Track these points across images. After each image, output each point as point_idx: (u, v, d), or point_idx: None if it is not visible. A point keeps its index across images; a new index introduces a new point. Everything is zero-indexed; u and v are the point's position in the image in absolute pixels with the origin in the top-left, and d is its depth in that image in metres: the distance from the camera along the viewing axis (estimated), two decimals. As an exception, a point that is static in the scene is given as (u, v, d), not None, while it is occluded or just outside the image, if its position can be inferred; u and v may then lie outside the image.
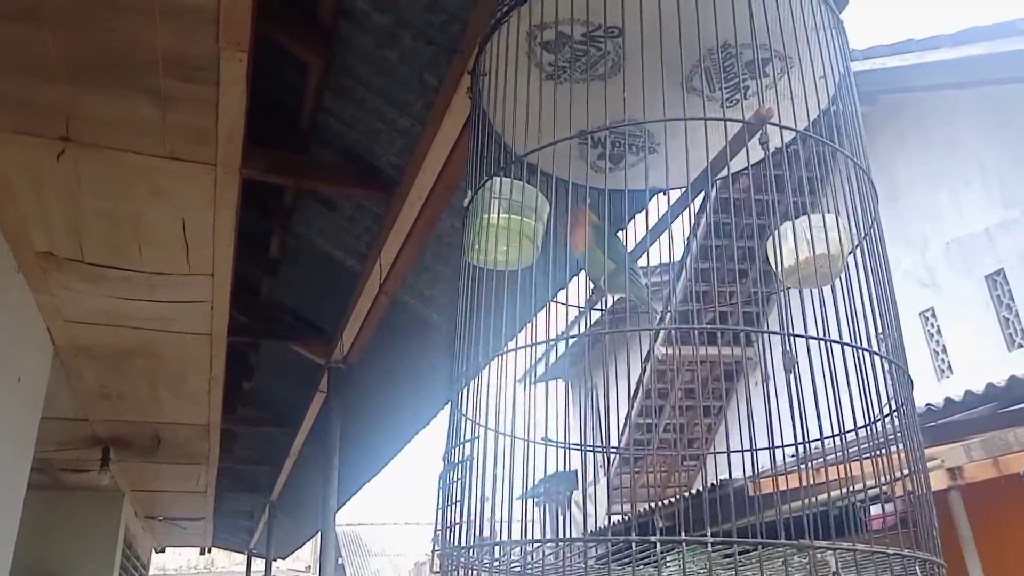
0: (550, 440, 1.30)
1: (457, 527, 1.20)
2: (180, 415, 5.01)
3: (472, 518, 1.17)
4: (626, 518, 6.31)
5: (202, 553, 17.62)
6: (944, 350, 6.63)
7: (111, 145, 2.48)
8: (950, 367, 6.56)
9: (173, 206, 2.81)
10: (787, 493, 1.26)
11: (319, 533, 4.99)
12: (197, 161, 2.58)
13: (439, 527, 1.25)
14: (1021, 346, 5.91)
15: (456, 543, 1.19)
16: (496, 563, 1.22)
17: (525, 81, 1.36)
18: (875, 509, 1.13)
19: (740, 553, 1.02)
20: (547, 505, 11.80)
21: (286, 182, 3.33)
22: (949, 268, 6.53)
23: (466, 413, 1.28)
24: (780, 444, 1.16)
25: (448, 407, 1.36)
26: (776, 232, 1.27)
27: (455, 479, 1.25)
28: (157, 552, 12.53)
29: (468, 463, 1.22)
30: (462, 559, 1.20)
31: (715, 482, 2.78)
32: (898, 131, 6.83)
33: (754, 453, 1.18)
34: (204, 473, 6.66)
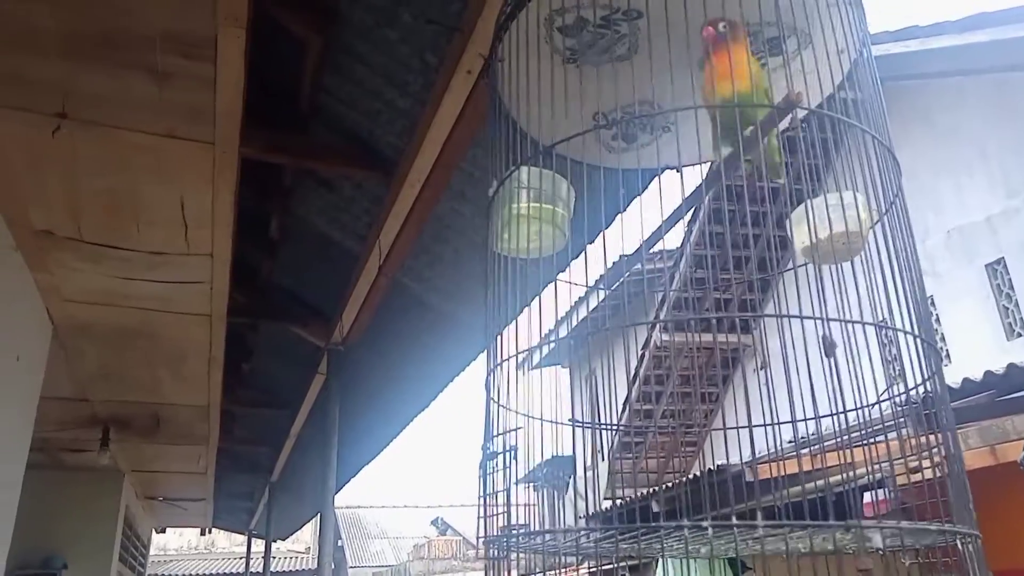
0: (577, 422, 1.32)
1: (501, 515, 1.22)
2: (180, 395, 5.01)
3: (514, 506, 1.20)
4: (627, 501, 6.33)
5: (202, 534, 17.77)
6: (943, 339, 6.63)
7: (108, 122, 2.47)
8: (948, 356, 6.56)
9: (171, 185, 2.80)
10: (805, 475, 1.27)
11: (318, 515, 5.01)
12: (195, 139, 2.56)
13: (482, 515, 1.28)
14: (1020, 335, 5.91)
15: (509, 530, 1.21)
16: (531, 546, 1.25)
17: (542, 66, 1.35)
18: (883, 491, 1.14)
19: (768, 536, 1.03)
20: (546, 489, 11.87)
21: (285, 162, 3.32)
22: (950, 257, 6.51)
23: (502, 402, 1.29)
24: (814, 416, 1.17)
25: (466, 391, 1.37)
26: (799, 208, 1.27)
27: (496, 468, 1.27)
28: (158, 532, 12.62)
29: (512, 453, 1.24)
30: (510, 545, 1.23)
31: (713, 467, 2.79)
32: (901, 118, 6.79)
33: (776, 430, 1.18)
34: (204, 454, 6.68)
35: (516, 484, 1.23)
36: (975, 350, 6.17)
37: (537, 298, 1.33)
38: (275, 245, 4.29)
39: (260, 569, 11.09)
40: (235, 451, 7.89)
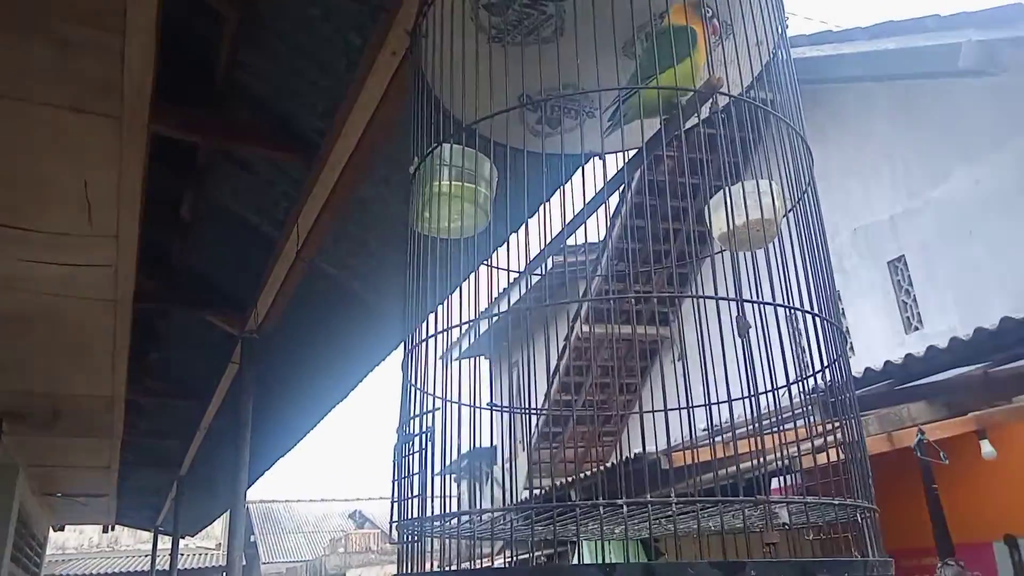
0: (496, 406, 1.30)
1: (415, 500, 1.19)
2: (81, 386, 4.77)
3: (429, 490, 1.17)
4: (545, 491, 6.39)
5: (105, 531, 17.01)
6: (848, 332, 6.96)
7: (5, 94, 2.31)
8: (852, 348, 6.89)
9: (74, 162, 2.65)
10: (718, 461, 1.30)
11: (229, 510, 4.86)
12: (101, 114, 2.43)
13: (395, 499, 1.24)
14: (917, 328, 6.25)
15: (419, 515, 1.18)
16: (446, 531, 1.22)
17: (467, 44, 1.33)
18: (789, 477, 1.18)
19: (679, 514, 1.04)
20: (467, 480, 11.89)
21: (198, 141, 3.18)
22: (856, 254, 6.83)
23: (419, 385, 1.27)
24: (727, 399, 1.19)
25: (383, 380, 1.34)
26: (715, 197, 1.29)
27: (411, 452, 1.24)
28: (56, 530, 12.01)
29: (429, 435, 1.20)
30: (421, 530, 1.20)
31: (630, 455, 2.83)
32: (815, 121, 7.06)
33: (692, 417, 1.20)
34: (107, 448, 6.39)
35: (433, 472, 1.21)
36: (877, 342, 6.50)
37: (459, 285, 1.31)
38: (187, 228, 4.12)
39: (167, 567, 10.69)
40: (141, 444, 7.57)
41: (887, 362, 4.43)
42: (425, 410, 1.24)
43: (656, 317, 7.88)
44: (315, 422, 6.47)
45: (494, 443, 1.46)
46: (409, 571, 1.21)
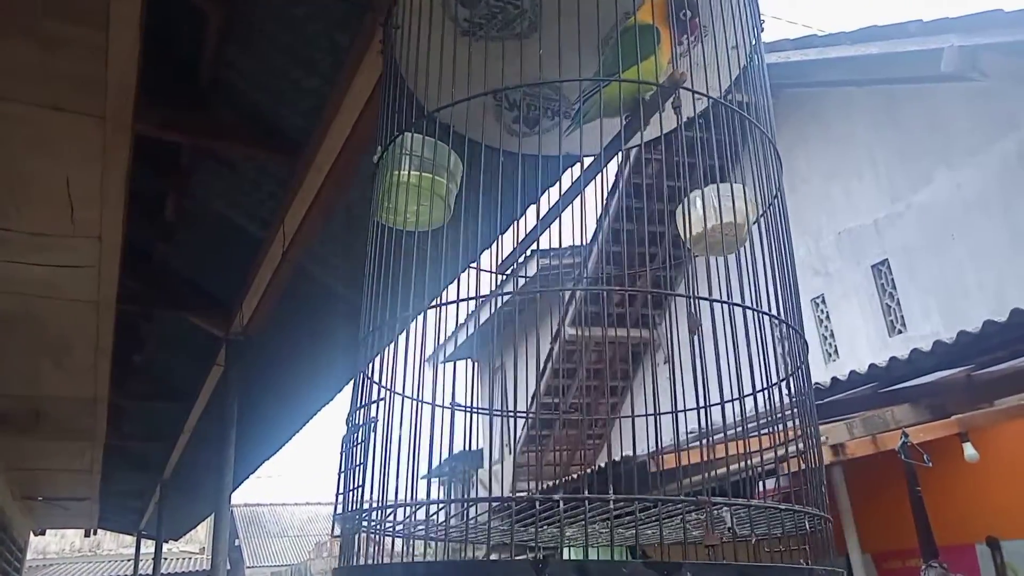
0: (458, 404, 1.28)
1: (359, 490, 1.16)
2: (63, 388, 4.71)
3: (375, 481, 1.14)
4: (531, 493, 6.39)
5: (87, 535, 16.82)
6: (832, 335, 7.00)
7: (-13, 92, 2.28)
8: (836, 351, 6.93)
9: (56, 161, 2.62)
10: (688, 468, 1.29)
11: (213, 513, 4.82)
12: (83, 113, 2.40)
13: (340, 491, 1.22)
14: (900, 332, 6.30)
15: (359, 506, 1.15)
16: (399, 527, 1.19)
17: (439, 36, 1.32)
18: (770, 483, 1.17)
19: (640, 511, 1.03)
20: (452, 484, 11.84)
21: (183, 140, 3.15)
22: (839, 257, 6.88)
23: (371, 375, 1.24)
24: (683, 408, 1.18)
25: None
26: (686, 200, 1.29)
27: (358, 442, 1.22)
28: (36, 535, 11.87)
29: (371, 424, 1.18)
30: (363, 524, 1.17)
31: (617, 459, 2.82)
32: (799, 124, 7.11)
33: (658, 421, 1.20)
34: (89, 451, 6.32)
35: (374, 458, 1.17)
36: (860, 346, 6.54)
37: (435, 281, 1.29)
38: (171, 229, 4.08)
39: (150, 571, 10.59)
40: (124, 447, 7.49)
41: (871, 365, 4.45)
42: (371, 400, 1.21)
43: (631, 319, 7.88)
44: (301, 425, 6.42)
45: (479, 446, 1.45)
46: (348, 564, 1.18)
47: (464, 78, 1.23)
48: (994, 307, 4.96)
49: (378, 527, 1.17)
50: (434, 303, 1.20)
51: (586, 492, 0.98)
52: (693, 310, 1.08)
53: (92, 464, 6.83)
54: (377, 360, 1.25)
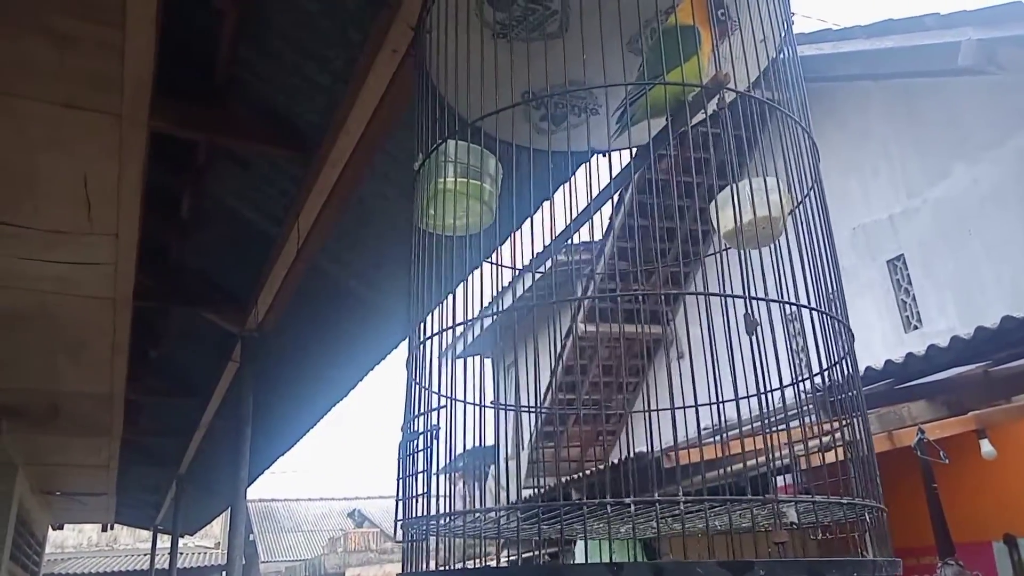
0: (502, 405, 1.30)
1: (419, 498, 1.19)
2: (80, 383, 4.76)
3: (437, 488, 1.17)
4: (548, 489, 6.39)
5: (104, 530, 16.98)
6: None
7: (4, 90, 2.30)
8: (852, 347, 6.88)
9: (73, 159, 2.64)
10: (718, 461, 1.29)
11: (229, 508, 4.85)
12: (100, 110, 2.42)
13: (401, 497, 1.24)
14: (916, 328, 6.24)
15: (423, 514, 1.17)
16: (450, 529, 1.22)
17: (471, 39, 1.32)
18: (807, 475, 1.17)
19: (686, 513, 1.04)
20: (465, 479, 11.89)
21: (198, 138, 3.17)
22: (854, 253, 6.82)
23: (424, 383, 1.26)
24: (741, 396, 1.18)
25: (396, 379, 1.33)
26: (726, 190, 1.29)
27: (417, 449, 1.23)
28: (54, 529, 11.99)
29: (434, 432, 1.20)
30: (426, 529, 1.19)
31: (632, 454, 2.82)
32: (815, 119, 7.01)
33: (697, 415, 1.20)
34: (106, 446, 6.37)
35: (437, 470, 1.20)
36: (876, 341, 6.49)
37: (463, 281, 1.30)
38: (186, 226, 4.10)
39: (166, 566, 10.67)
40: (141, 442, 7.55)
41: (888, 361, 4.42)
42: (430, 408, 1.23)
43: (645, 315, 7.86)
44: (315, 420, 6.46)
45: (495, 442, 1.45)
46: (413, 570, 1.20)
47: (498, 82, 1.24)
48: (1010, 303, 4.91)
49: (437, 532, 1.20)
50: (486, 311, 1.21)
51: (625, 487, 0.99)
52: (748, 309, 1.09)
53: (109, 459, 6.89)
54: (427, 367, 1.27)
